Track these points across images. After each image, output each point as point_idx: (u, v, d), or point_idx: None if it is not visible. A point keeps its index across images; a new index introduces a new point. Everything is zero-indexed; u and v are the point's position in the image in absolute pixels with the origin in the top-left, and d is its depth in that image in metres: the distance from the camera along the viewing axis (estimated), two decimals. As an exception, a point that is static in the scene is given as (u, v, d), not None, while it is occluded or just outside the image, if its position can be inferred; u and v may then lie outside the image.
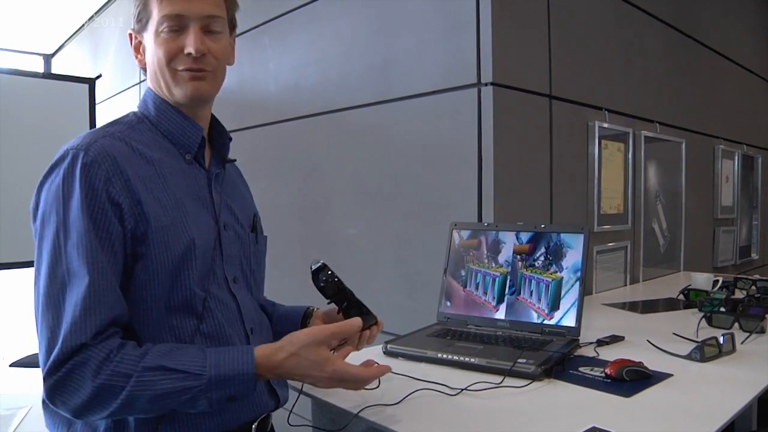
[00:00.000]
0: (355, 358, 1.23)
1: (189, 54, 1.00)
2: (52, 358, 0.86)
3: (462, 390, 1.08)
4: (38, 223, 0.94)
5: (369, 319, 1.03)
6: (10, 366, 1.91)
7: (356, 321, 0.98)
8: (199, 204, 1.05)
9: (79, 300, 0.87)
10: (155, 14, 1.00)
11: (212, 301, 1.01)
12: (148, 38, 1.03)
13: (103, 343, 0.87)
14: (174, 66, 1.02)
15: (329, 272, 0.98)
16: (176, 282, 0.96)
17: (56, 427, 0.98)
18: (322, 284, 0.99)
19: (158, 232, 0.95)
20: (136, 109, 1.10)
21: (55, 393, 0.86)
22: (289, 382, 1.14)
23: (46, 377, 0.87)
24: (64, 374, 0.86)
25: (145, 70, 1.09)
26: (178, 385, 0.86)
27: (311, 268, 1.04)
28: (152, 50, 1.02)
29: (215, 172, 1.10)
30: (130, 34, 1.08)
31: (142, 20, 1.03)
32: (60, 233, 0.90)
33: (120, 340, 0.90)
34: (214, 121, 1.15)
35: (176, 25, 1.00)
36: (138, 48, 1.08)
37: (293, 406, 1.09)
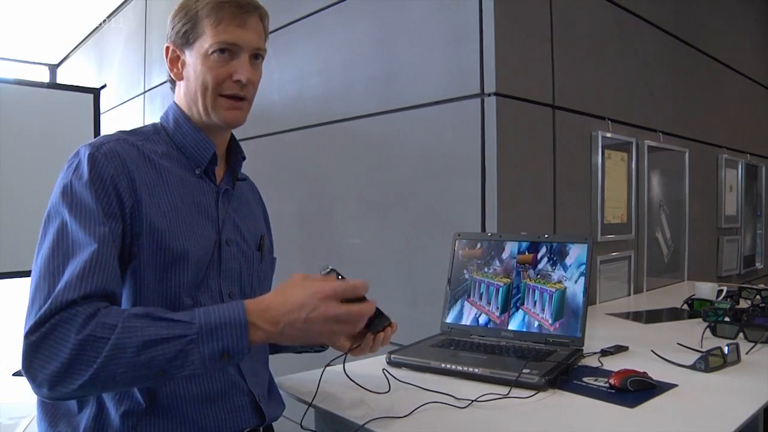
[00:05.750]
0: (364, 364, 1.23)
1: (238, 81, 1.05)
2: (39, 314, 0.83)
3: (472, 402, 1.07)
4: (48, 212, 0.95)
5: (383, 321, 1.01)
6: (13, 375, 1.91)
7: (360, 282, 0.93)
8: (203, 217, 1.07)
9: (80, 264, 0.87)
10: (208, 37, 1.04)
11: None
12: (193, 57, 1.07)
13: (92, 303, 0.85)
14: (219, 91, 1.06)
15: (339, 277, 0.98)
16: (164, 288, 0.98)
17: (42, 422, 0.99)
18: None
19: (151, 235, 0.97)
20: (157, 121, 1.14)
21: (35, 354, 0.81)
22: (293, 393, 1.14)
23: (28, 335, 0.82)
24: (47, 330, 0.82)
25: (173, 82, 1.13)
26: (168, 333, 0.82)
27: (320, 273, 1.03)
28: (198, 71, 1.06)
29: (225, 188, 1.13)
30: (168, 47, 1.10)
31: (189, 38, 1.06)
32: (68, 215, 0.91)
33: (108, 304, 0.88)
34: (233, 142, 1.18)
35: (228, 51, 1.05)
36: (175, 62, 1.10)
37: (302, 418, 1.09)
